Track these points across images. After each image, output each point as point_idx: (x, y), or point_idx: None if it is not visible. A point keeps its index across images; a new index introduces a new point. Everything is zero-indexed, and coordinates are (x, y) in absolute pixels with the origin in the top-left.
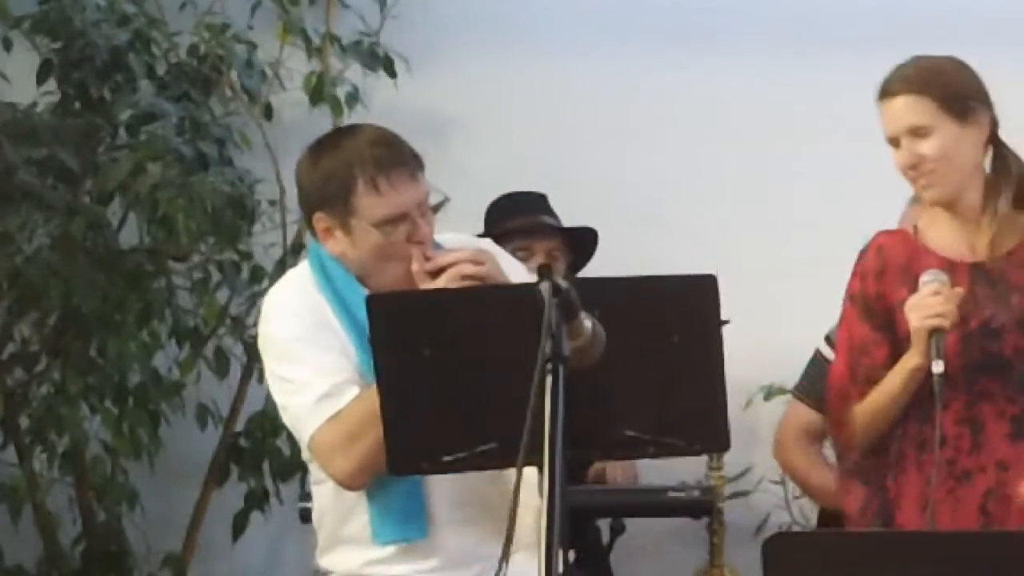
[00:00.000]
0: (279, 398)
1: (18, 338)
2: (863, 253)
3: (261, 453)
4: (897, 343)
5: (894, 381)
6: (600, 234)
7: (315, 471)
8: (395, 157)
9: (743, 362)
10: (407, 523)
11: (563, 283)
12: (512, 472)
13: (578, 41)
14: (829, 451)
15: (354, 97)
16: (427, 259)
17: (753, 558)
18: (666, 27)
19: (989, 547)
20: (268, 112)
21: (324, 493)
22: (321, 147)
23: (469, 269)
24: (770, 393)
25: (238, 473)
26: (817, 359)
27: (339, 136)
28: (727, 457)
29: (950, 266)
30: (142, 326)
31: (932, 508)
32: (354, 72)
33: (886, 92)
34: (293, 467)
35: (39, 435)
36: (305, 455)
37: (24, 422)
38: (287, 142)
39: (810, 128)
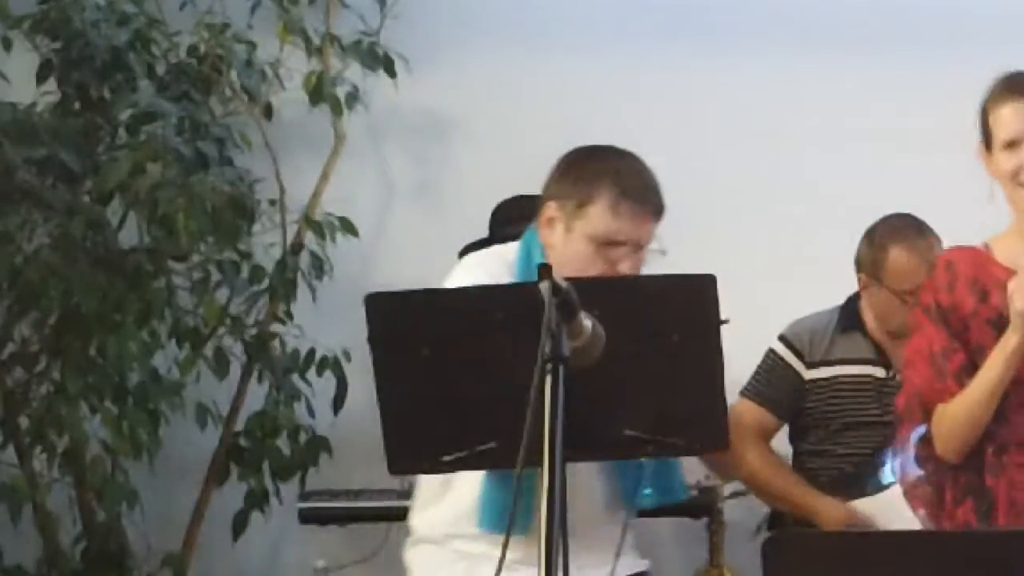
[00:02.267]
0: None
1: (18, 338)
2: (935, 268)
3: (261, 453)
4: (970, 353)
5: (994, 365)
6: None
7: None
8: (646, 194)
9: (743, 362)
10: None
11: (563, 283)
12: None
13: (578, 41)
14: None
15: (354, 97)
16: None
17: (753, 558)
18: (666, 27)
19: (989, 547)
20: (268, 112)
21: None
22: (588, 150)
23: None
24: None
25: (238, 473)
26: (771, 357)
27: (609, 151)
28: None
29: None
30: (142, 326)
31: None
32: (354, 72)
33: (1011, 91)
34: (293, 467)
35: (39, 435)
36: None
37: (24, 422)
38: (287, 142)
39: (811, 128)
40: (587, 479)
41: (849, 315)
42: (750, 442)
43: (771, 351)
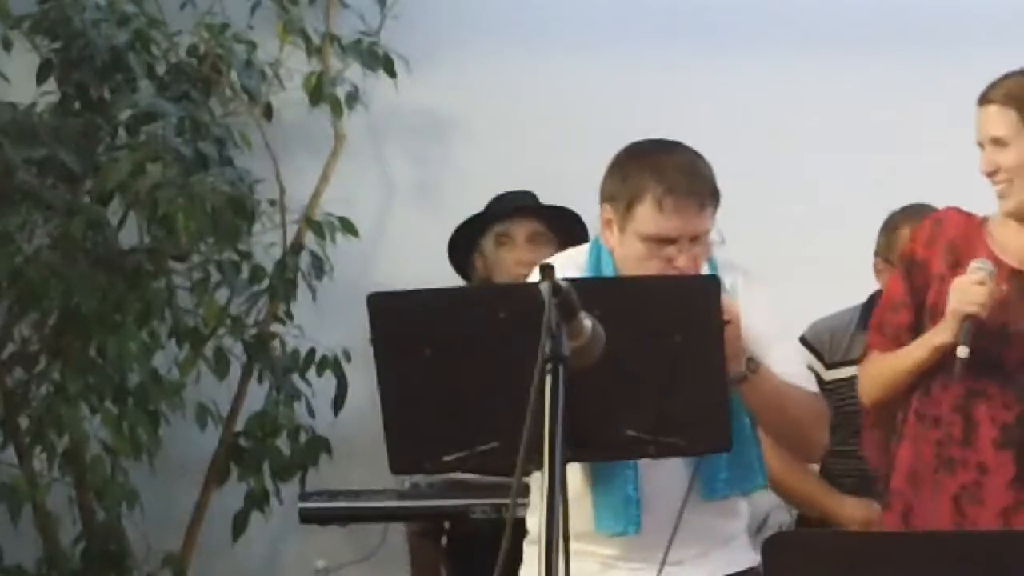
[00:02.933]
0: None
1: (18, 338)
2: (926, 218)
3: (261, 453)
4: (921, 311)
5: (917, 352)
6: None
7: None
8: (691, 187)
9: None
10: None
11: (563, 283)
12: None
13: (578, 41)
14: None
15: (354, 97)
16: None
17: None
18: (667, 27)
19: (989, 547)
20: (268, 112)
21: None
22: (637, 147)
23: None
24: None
25: (238, 473)
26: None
27: (656, 146)
28: None
29: (996, 263)
30: (142, 326)
31: None
32: (354, 72)
33: (983, 98)
34: (293, 467)
35: (39, 435)
36: None
37: (24, 422)
38: (287, 142)
39: (812, 129)
40: (673, 468)
41: (869, 313)
42: (770, 445)
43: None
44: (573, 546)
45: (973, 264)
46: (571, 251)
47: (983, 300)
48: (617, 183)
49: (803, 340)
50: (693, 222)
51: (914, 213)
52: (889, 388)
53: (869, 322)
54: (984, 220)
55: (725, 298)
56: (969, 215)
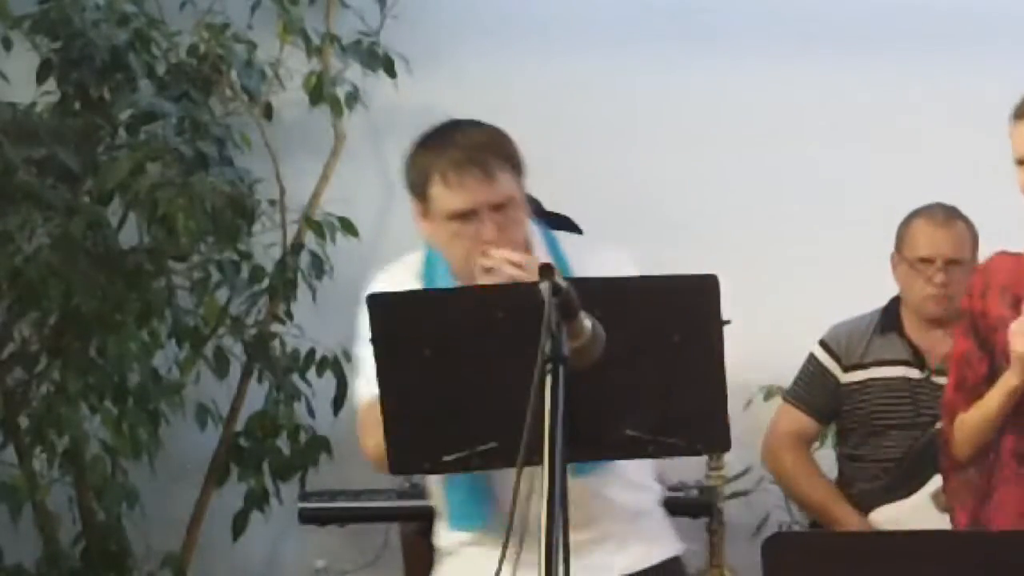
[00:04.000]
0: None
1: (18, 338)
2: (976, 269)
3: (261, 453)
4: (995, 359)
5: (993, 398)
6: (601, 234)
7: None
8: (471, 156)
9: (743, 362)
10: (471, 514)
11: (563, 283)
12: None
13: (578, 41)
14: (824, 454)
15: (354, 97)
16: (486, 256)
17: (753, 558)
18: (667, 27)
19: (989, 547)
20: (268, 112)
21: None
22: (424, 135)
23: (513, 271)
24: (770, 393)
25: (238, 473)
26: (811, 362)
27: (439, 128)
28: (727, 457)
29: None
30: (142, 326)
31: None
32: (354, 72)
33: (1019, 114)
34: (293, 467)
35: (39, 435)
36: None
37: (24, 422)
38: (287, 142)
39: (812, 129)
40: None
41: (889, 316)
42: (787, 447)
43: (811, 356)
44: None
45: None
46: (408, 256)
47: None
48: (411, 177)
49: (822, 343)
50: (483, 190)
51: (923, 209)
52: (981, 439)
53: (884, 327)
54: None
55: (520, 257)
56: (1015, 254)
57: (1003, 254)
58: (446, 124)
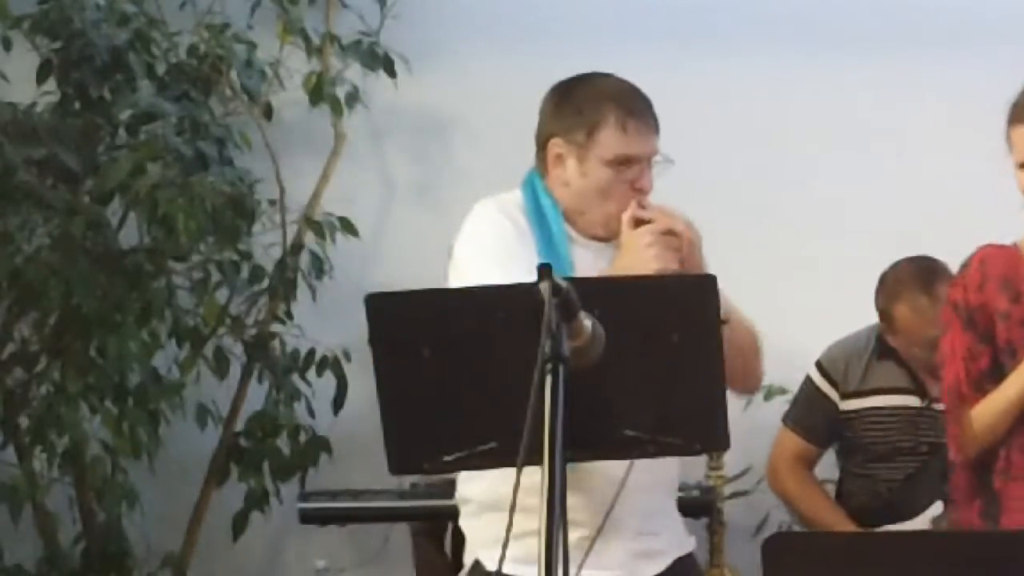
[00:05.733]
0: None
1: (18, 338)
2: (965, 266)
3: (261, 453)
4: (997, 352)
5: (1011, 391)
6: None
7: None
8: (647, 108)
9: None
10: None
11: (563, 283)
12: None
13: (578, 41)
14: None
15: (354, 97)
16: (642, 207)
17: (753, 558)
18: (666, 27)
19: (989, 547)
20: (268, 112)
21: None
22: (576, 81)
23: (679, 227)
24: (770, 393)
25: (238, 473)
26: (808, 386)
27: (595, 76)
28: (727, 457)
29: None
30: (142, 326)
31: None
32: (354, 72)
33: (1017, 118)
34: (293, 467)
35: (39, 435)
36: None
37: (24, 422)
38: (287, 142)
39: (812, 129)
40: None
41: (884, 342)
42: (788, 471)
43: (808, 379)
44: None
45: None
46: (503, 195)
47: None
48: (569, 115)
49: (819, 366)
50: (652, 141)
51: (903, 286)
52: (999, 431)
53: (882, 353)
54: (1016, 247)
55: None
56: (1003, 246)
57: (993, 247)
58: (594, 73)
